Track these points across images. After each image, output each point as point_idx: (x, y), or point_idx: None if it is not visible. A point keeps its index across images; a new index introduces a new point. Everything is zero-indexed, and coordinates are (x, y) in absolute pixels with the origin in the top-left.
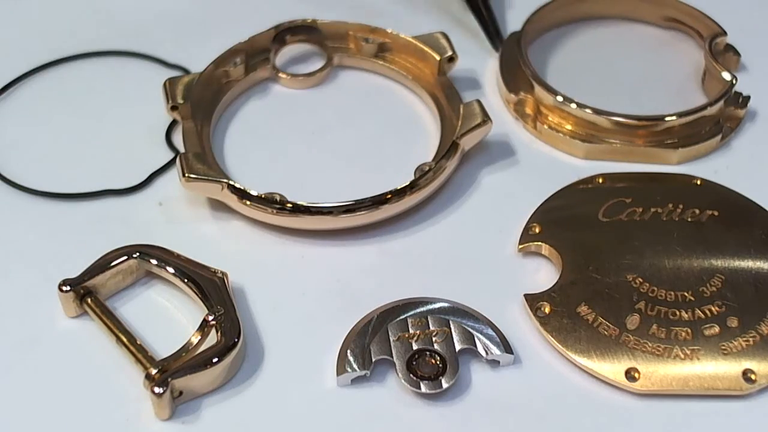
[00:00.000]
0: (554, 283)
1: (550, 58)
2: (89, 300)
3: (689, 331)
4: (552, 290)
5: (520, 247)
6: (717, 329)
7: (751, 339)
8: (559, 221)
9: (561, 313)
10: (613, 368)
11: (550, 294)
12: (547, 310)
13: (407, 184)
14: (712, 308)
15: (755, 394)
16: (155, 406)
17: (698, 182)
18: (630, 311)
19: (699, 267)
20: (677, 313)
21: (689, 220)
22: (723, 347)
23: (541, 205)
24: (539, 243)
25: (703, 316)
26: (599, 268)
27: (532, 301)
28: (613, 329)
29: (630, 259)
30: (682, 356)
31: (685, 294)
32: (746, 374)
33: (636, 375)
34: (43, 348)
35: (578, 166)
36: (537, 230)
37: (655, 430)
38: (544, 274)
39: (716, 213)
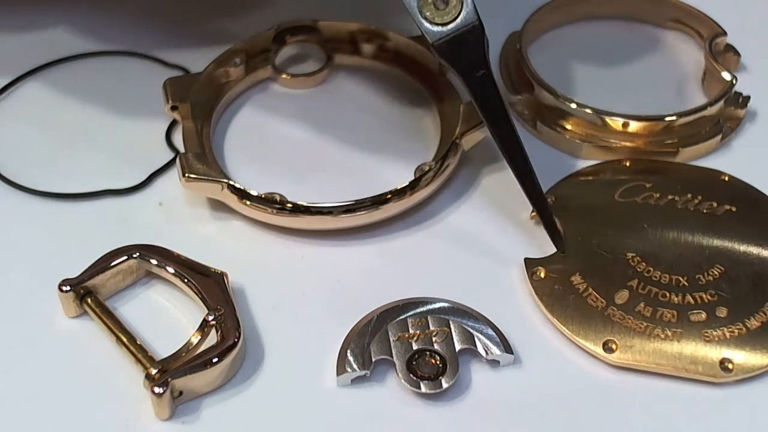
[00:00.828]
0: (555, 250)
1: (550, 58)
2: (89, 300)
3: (675, 313)
4: (552, 256)
5: (532, 214)
6: (704, 316)
7: (736, 330)
8: (575, 196)
9: (555, 279)
10: (591, 337)
11: (549, 260)
12: (542, 274)
13: (407, 184)
14: (704, 296)
15: (730, 384)
16: (155, 406)
17: (726, 178)
18: (621, 287)
19: (701, 255)
20: (667, 295)
21: (704, 211)
22: (706, 334)
23: (562, 180)
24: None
25: (692, 302)
26: (602, 243)
27: (531, 265)
28: (601, 301)
29: (634, 238)
30: (663, 336)
31: (680, 279)
32: (723, 363)
33: (613, 347)
34: (43, 348)
35: (578, 166)
36: (552, 200)
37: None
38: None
39: (734, 209)
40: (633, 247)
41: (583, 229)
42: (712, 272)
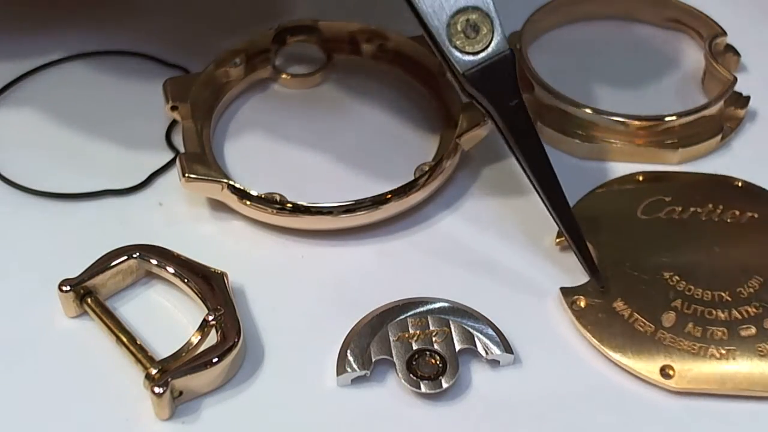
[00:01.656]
0: (590, 278)
1: (550, 58)
2: (89, 300)
3: (725, 331)
4: (588, 284)
5: (557, 240)
6: (753, 330)
7: None
8: (596, 217)
9: (597, 307)
10: (648, 365)
11: (587, 288)
12: (582, 304)
13: (407, 184)
14: (749, 309)
15: None
16: (155, 406)
17: (739, 184)
18: (666, 309)
19: (737, 268)
20: (713, 312)
21: (729, 221)
22: (759, 348)
23: (579, 201)
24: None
25: (739, 316)
26: (636, 264)
27: (569, 294)
28: (649, 326)
29: (667, 256)
30: (718, 356)
31: (722, 294)
32: None
33: (671, 372)
34: (43, 348)
35: (578, 166)
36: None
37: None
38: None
39: (756, 215)
40: (668, 266)
41: (612, 251)
42: (752, 284)
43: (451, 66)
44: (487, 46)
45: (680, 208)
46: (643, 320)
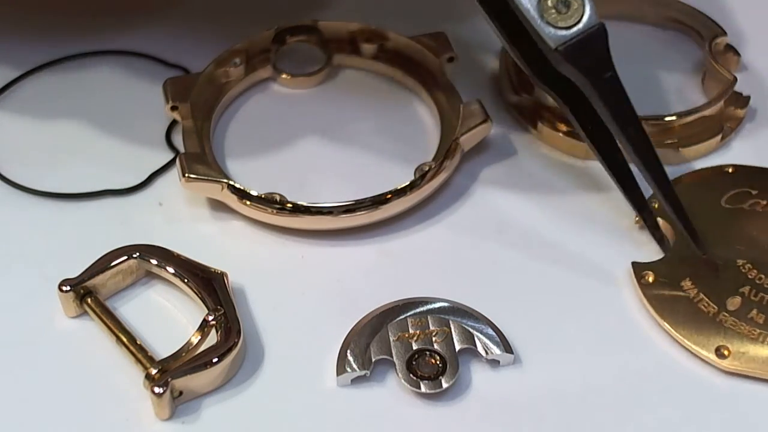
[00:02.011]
0: (663, 255)
1: None
2: (89, 300)
3: None
4: (660, 261)
5: (636, 218)
6: None
7: None
8: (681, 200)
9: (664, 283)
10: (703, 343)
11: (658, 264)
12: (651, 279)
13: (407, 184)
14: None
15: None
16: (155, 406)
17: None
18: (733, 294)
19: None
20: None
21: None
22: None
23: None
24: (657, 217)
25: None
26: (711, 249)
27: (639, 269)
28: (712, 307)
29: (743, 245)
30: None
31: None
32: None
33: (726, 353)
34: (43, 348)
35: (578, 165)
36: (656, 205)
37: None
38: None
39: None
40: (743, 254)
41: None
42: None
43: (541, 43)
44: (579, 21)
45: (765, 202)
46: (708, 301)
